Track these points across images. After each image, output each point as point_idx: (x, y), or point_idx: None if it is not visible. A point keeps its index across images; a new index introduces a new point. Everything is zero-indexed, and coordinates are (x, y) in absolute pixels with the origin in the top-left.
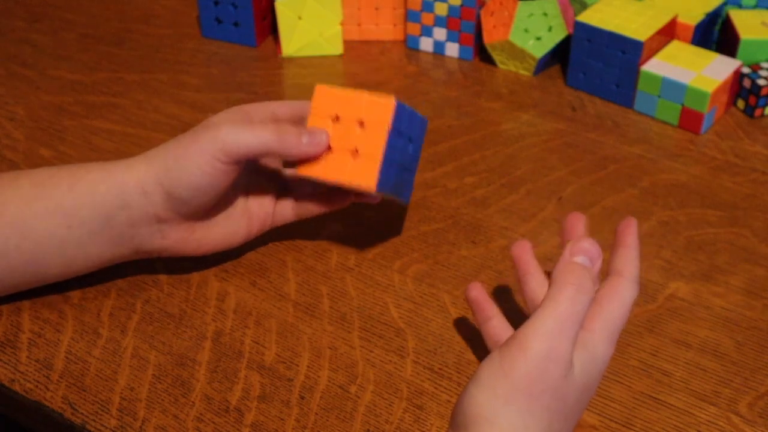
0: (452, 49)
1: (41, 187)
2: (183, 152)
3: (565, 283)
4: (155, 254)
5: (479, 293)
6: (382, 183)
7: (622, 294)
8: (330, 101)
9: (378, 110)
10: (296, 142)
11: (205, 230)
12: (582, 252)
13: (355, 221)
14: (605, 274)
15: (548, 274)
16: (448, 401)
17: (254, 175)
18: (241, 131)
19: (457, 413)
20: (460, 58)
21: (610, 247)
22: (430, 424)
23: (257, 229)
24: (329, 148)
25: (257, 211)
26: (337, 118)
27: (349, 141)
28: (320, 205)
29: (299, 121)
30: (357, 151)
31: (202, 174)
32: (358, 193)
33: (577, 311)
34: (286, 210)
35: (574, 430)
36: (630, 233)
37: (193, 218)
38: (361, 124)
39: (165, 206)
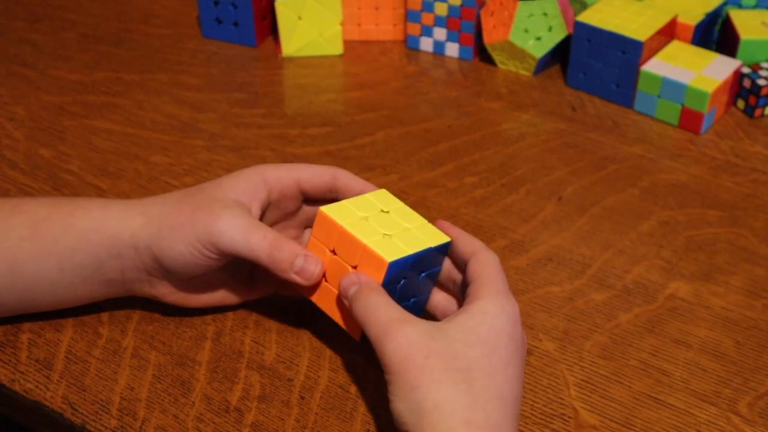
0: (452, 49)
1: (36, 229)
2: (178, 228)
3: (357, 309)
4: (147, 296)
5: (441, 298)
6: (394, 272)
7: (484, 261)
8: (330, 231)
9: (372, 264)
10: (287, 268)
11: (197, 287)
12: (347, 286)
13: None
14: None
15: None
16: None
17: None
18: (237, 233)
19: (399, 429)
20: (460, 58)
21: (607, 247)
22: None
23: (260, 294)
24: (325, 278)
25: (262, 280)
26: (334, 252)
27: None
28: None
29: (326, 191)
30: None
31: (190, 256)
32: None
33: (376, 305)
34: (292, 288)
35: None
36: (450, 229)
37: (183, 282)
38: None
39: (153, 267)
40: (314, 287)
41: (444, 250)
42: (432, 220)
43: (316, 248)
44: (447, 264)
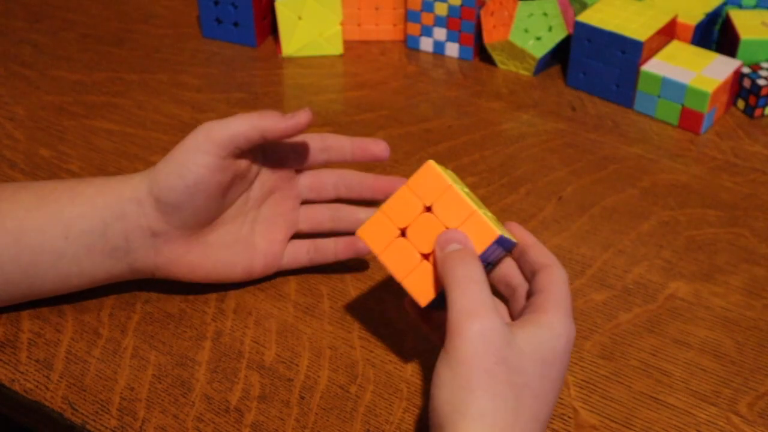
0: (452, 49)
1: (41, 200)
2: (170, 156)
3: (450, 269)
4: (148, 273)
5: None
6: (433, 303)
7: (557, 277)
8: (435, 187)
9: (477, 232)
10: (277, 118)
11: (200, 253)
12: (448, 241)
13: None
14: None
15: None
16: None
17: (265, 209)
18: (222, 121)
19: (432, 417)
20: (460, 58)
21: (607, 247)
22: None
23: (261, 267)
24: (403, 233)
25: (263, 248)
26: (430, 209)
27: (428, 242)
28: (340, 251)
29: (317, 151)
30: (429, 259)
31: (188, 171)
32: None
33: (477, 279)
34: (300, 253)
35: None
36: (524, 234)
37: (187, 231)
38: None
39: (157, 216)
40: (383, 238)
41: (511, 248)
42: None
43: (406, 200)
44: (505, 264)
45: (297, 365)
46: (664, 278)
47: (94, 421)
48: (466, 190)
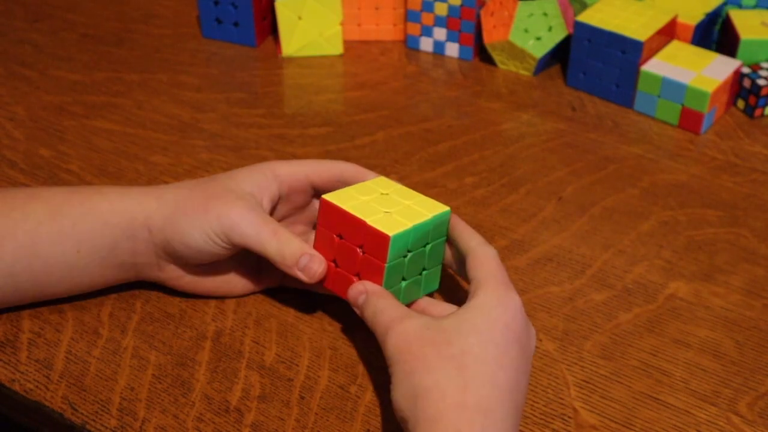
0: (452, 49)
1: (54, 212)
2: (191, 213)
3: (365, 315)
4: (153, 281)
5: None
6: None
7: (483, 256)
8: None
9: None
10: (292, 264)
11: (204, 273)
12: (356, 296)
13: None
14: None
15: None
16: None
17: None
18: (249, 227)
19: (397, 415)
20: (460, 58)
21: (607, 247)
22: None
23: (266, 285)
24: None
25: (267, 272)
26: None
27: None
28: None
29: (336, 183)
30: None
31: (201, 243)
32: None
33: (381, 308)
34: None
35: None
36: (452, 223)
37: (191, 266)
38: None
39: (164, 249)
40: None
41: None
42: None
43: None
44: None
45: (297, 365)
46: (664, 278)
47: (94, 421)
48: (387, 192)
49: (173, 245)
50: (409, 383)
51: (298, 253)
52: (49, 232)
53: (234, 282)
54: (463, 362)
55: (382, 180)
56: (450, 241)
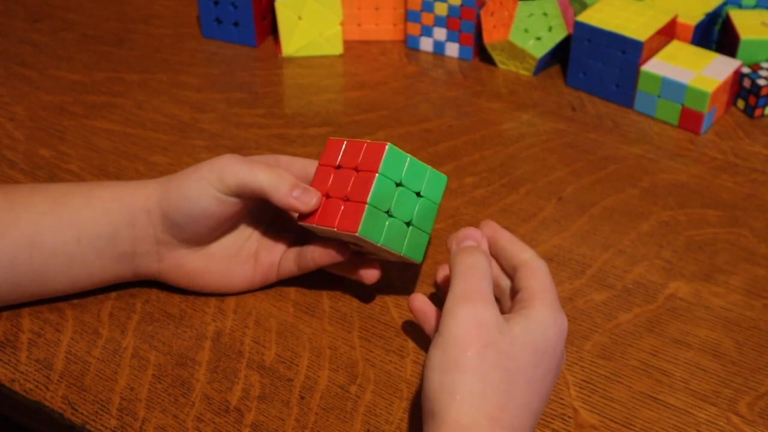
0: (452, 49)
1: (56, 202)
2: (184, 178)
3: (459, 261)
4: (151, 277)
5: (422, 303)
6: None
7: (537, 271)
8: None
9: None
10: (286, 193)
11: (201, 263)
12: (465, 238)
13: None
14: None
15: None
16: None
17: (273, 226)
18: (240, 165)
19: (424, 401)
20: (460, 58)
21: (607, 247)
22: None
23: (260, 279)
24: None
25: (262, 260)
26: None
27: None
28: (319, 257)
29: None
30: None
31: (196, 199)
32: (357, 251)
33: (480, 271)
34: (290, 262)
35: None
36: (498, 232)
37: (190, 244)
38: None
39: (163, 228)
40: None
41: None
42: (454, 223)
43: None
44: (495, 270)
45: (297, 365)
46: (664, 278)
47: (94, 421)
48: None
49: (171, 214)
50: (454, 377)
51: (292, 183)
52: (50, 221)
53: (233, 275)
54: (513, 380)
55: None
56: (496, 253)
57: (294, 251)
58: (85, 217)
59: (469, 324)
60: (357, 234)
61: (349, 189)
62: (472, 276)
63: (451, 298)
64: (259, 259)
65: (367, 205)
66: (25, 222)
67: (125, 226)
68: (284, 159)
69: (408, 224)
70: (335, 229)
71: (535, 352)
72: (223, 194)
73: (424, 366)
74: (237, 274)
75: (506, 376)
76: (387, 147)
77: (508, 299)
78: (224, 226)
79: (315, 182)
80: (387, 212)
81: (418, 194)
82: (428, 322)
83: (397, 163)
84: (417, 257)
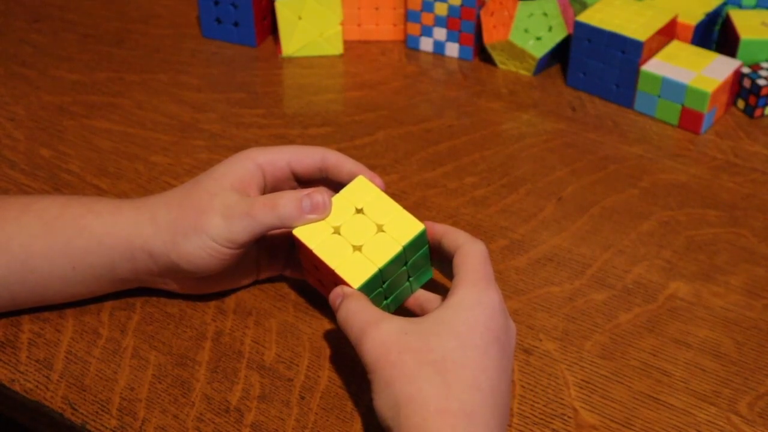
0: (452, 49)
1: (47, 227)
2: (191, 234)
3: (339, 319)
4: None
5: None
6: (367, 287)
7: (468, 253)
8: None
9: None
10: (298, 216)
11: (207, 281)
12: (334, 299)
13: None
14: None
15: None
16: None
17: (272, 233)
18: (245, 218)
19: (382, 423)
20: (460, 58)
21: (607, 247)
22: None
23: (266, 275)
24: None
25: (265, 265)
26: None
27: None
28: None
29: (317, 172)
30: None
31: (210, 258)
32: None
33: (357, 310)
34: (297, 263)
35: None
36: (434, 226)
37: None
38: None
39: (168, 269)
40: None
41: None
42: (423, 221)
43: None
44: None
45: (297, 365)
46: (664, 278)
47: (94, 421)
48: (361, 205)
49: (181, 266)
50: (391, 392)
51: (296, 202)
52: (42, 248)
53: (237, 277)
54: (444, 367)
55: (361, 182)
56: (436, 246)
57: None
58: (78, 246)
59: (373, 348)
60: (356, 288)
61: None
62: (349, 319)
63: (354, 344)
64: (262, 265)
65: (379, 269)
66: (17, 245)
67: (124, 260)
68: (333, 158)
69: (408, 280)
70: (334, 270)
71: (457, 335)
72: (236, 249)
73: (372, 400)
74: (239, 279)
75: (433, 368)
76: (358, 289)
77: None
78: (232, 267)
79: (304, 266)
80: (384, 298)
81: (404, 263)
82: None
83: (371, 284)
84: (428, 277)
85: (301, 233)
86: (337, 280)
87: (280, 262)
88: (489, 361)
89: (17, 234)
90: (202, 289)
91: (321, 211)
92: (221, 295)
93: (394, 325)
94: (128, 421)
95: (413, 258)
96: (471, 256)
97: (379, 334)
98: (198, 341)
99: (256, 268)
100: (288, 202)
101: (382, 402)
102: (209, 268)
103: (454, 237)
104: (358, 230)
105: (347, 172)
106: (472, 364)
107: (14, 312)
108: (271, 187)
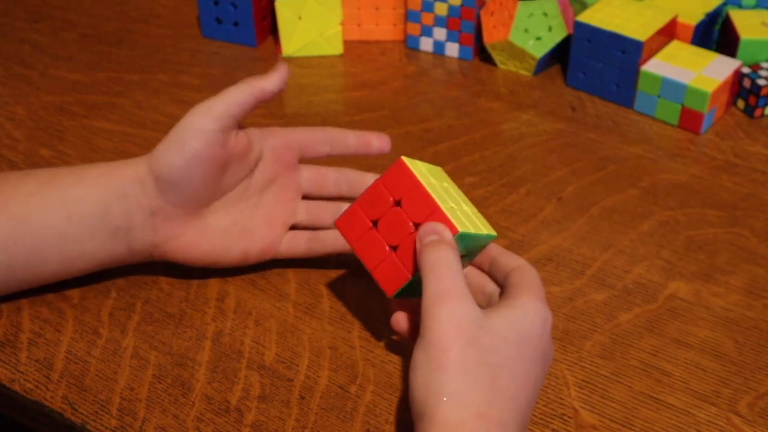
0: (452, 49)
1: (45, 184)
2: (170, 134)
3: (425, 258)
4: (147, 254)
5: (404, 322)
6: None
7: (528, 273)
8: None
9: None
10: (261, 78)
11: (197, 234)
12: (427, 233)
13: None
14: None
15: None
16: None
17: (266, 196)
18: (217, 95)
19: (412, 403)
20: (460, 58)
21: (607, 247)
22: None
23: (258, 252)
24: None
25: (261, 234)
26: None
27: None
28: (339, 243)
29: (321, 145)
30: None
31: (187, 145)
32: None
33: (447, 265)
34: (299, 242)
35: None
36: (490, 246)
37: (185, 210)
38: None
39: (156, 194)
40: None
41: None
42: None
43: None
44: (479, 278)
45: (297, 365)
46: (664, 278)
47: (94, 421)
48: (446, 184)
49: (162, 175)
50: (438, 378)
51: (257, 76)
52: (39, 202)
53: (229, 248)
54: (498, 375)
55: (438, 170)
56: (488, 263)
57: (305, 234)
58: (73, 195)
59: (447, 324)
60: (390, 296)
61: (401, 240)
62: (443, 272)
63: (426, 299)
64: (255, 232)
65: (411, 277)
66: (15, 203)
67: (116, 200)
68: (333, 131)
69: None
70: (369, 270)
71: (518, 343)
72: (213, 129)
73: (409, 368)
74: (232, 247)
75: (490, 371)
76: (458, 235)
77: (494, 304)
78: (218, 179)
79: (364, 197)
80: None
81: (463, 256)
82: (411, 335)
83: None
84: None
85: (341, 224)
86: (437, 221)
87: (278, 233)
88: (532, 378)
89: (14, 194)
90: (193, 250)
91: (282, 74)
92: (221, 294)
93: (474, 310)
94: (128, 421)
95: (469, 258)
96: (531, 274)
97: (459, 311)
98: (198, 341)
99: (252, 236)
100: (252, 78)
101: (422, 381)
102: (185, 162)
103: (512, 257)
104: (452, 198)
105: (349, 140)
106: (521, 376)
107: (15, 311)
108: (273, 148)
